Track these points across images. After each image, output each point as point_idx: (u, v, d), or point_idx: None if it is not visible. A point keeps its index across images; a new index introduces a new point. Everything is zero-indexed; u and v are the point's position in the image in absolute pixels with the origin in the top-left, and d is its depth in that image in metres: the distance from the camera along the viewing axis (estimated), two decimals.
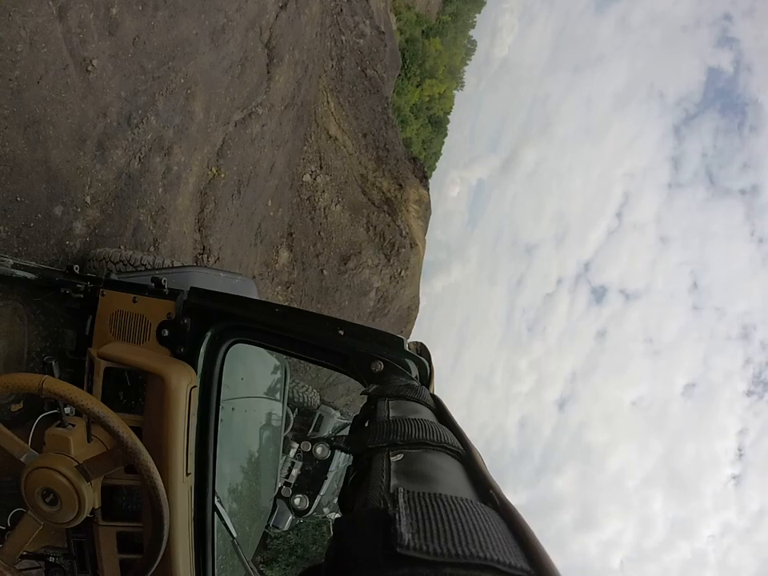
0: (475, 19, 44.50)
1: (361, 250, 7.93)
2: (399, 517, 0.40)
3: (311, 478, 4.97)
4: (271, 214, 5.84)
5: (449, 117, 42.12)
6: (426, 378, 1.42)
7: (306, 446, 4.88)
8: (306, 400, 5.09)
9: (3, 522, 1.64)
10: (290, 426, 4.20)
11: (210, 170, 3.96)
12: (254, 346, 1.83)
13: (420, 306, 11.45)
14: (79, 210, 2.47)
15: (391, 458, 0.61)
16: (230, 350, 1.76)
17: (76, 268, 2.09)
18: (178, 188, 3.43)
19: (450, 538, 0.38)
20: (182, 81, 3.23)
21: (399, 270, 8.78)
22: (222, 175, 4.13)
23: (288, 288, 6.78)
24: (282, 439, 3.06)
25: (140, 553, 1.59)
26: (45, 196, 2.25)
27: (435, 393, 1.26)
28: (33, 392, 1.35)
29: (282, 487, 4.74)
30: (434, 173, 41.06)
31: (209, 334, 1.70)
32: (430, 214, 11.29)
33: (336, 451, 4.96)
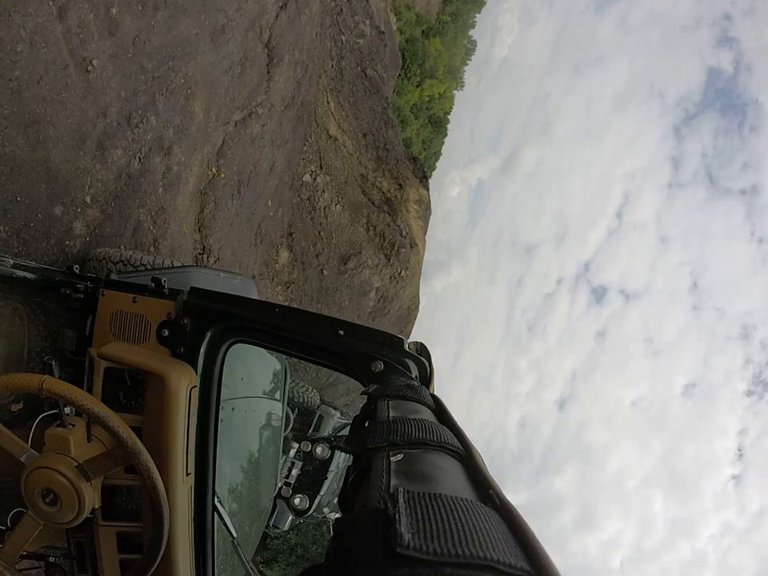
0: (475, 19, 44.53)
1: (361, 249, 7.93)
2: (399, 517, 0.40)
3: (311, 478, 4.97)
4: (271, 214, 5.84)
5: (449, 117, 42.13)
6: (426, 377, 1.42)
7: (306, 446, 4.88)
8: (305, 400, 5.09)
9: (3, 522, 1.64)
10: (290, 425, 4.20)
11: (210, 170, 3.96)
12: (254, 346, 1.83)
13: (420, 305, 11.45)
14: (79, 209, 2.47)
15: (391, 458, 0.61)
16: (230, 350, 1.76)
17: (76, 268, 2.09)
18: (177, 188, 3.43)
19: (450, 538, 0.38)
20: (182, 81, 3.23)
21: (399, 270, 8.78)
22: (222, 175, 4.13)
23: (288, 288, 6.78)
24: (282, 439, 3.06)
25: (140, 553, 1.59)
26: (45, 196, 2.25)
27: (435, 393, 1.26)
28: (33, 392, 1.35)
29: (281, 487, 4.74)
30: (434, 173, 41.06)
31: (209, 333, 1.70)
32: (430, 214, 11.29)
33: (336, 451, 4.96)
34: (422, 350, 1.45)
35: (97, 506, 1.48)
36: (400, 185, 9.36)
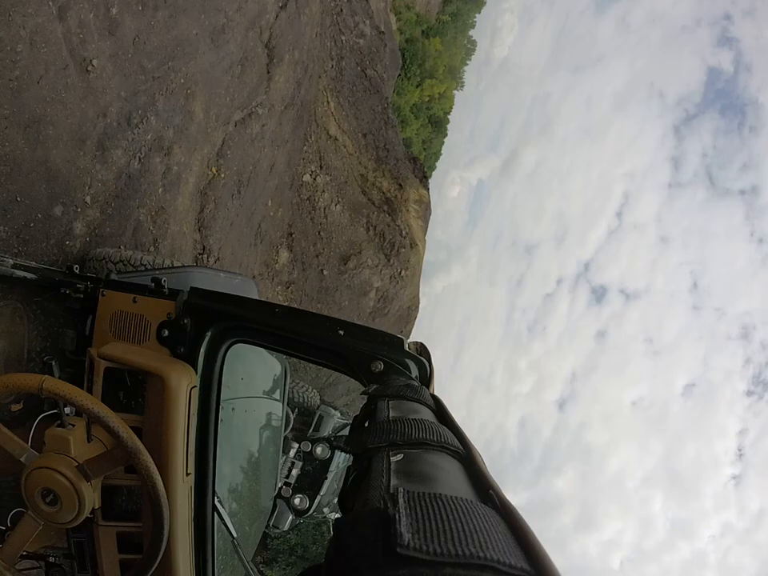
0: (475, 19, 44.54)
1: (361, 249, 7.94)
2: (399, 517, 0.40)
3: (311, 478, 4.97)
4: (271, 214, 5.84)
5: (449, 117, 42.13)
6: (426, 377, 1.42)
7: (306, 446, 4.89)
8: (306, 400, 5.10)
9: (3, 522, 1.64)
10: (290, 426, 4.20)
11: (210, 170, 3.96)
12: (254, 346, 1.83)
13: (420, 305, 11.45)
14: (79, 209, 2.47)
15: (391, 458, 0.61)
16: (230, 350, 1.76)
17: (76, 268, 2.09)
18: (178, 188, 3.43)
19: (450, 538, 0.38)
20: (182, 81, 3.23)
21: (399, 270, 8.78)
22: (222, 175, 4.13)
23: (288, 288, 6.78)
24: (282, 439, 3.06)
25: (140, 553, 1.59)
26: (45, 196, 2.25)
27: (435, 393, 1.27)
28: (33, 392, 1.35)
29: (282, 487, 4.75)
30: (434, 173, 41.07)
31: (209, 333, 1.70)
32: (430, 214, 11.29)
33: (336, 451, 4.96)
34: (422, 350, 1.45)
35: (97, 506, 1.48)
36: (400, 185, 9.37)
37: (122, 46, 2.63)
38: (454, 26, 38.35)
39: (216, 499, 1.84)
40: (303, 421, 5.15)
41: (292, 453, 4.82)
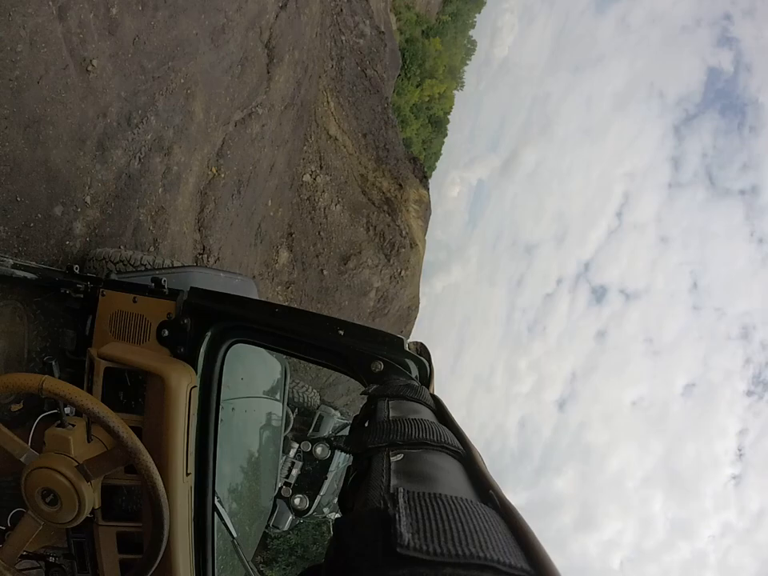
0: (475, 19, 44.54)
1: (361, 249, 7.94)
2: (399, 517, 0.40)
3: (311, 478, 4.97)
4: (271, 214, 5.84)
5: (449, 117, 42.13)
6: (426, 377, 1.42)
7: (306, 446, 4.89)
8: (306, 400, 5.10)
9: (3, 522, 1.64)
10: (290, 426, 4.20)
11: (210, 170, 3.96)
12: (254, 346, 1.83)
13: (420, 305, 11.45)
14: (79, 209, 2.47)
15: (391, 458, 0.61)
16: (230, 350, 1.76)
17: (76, 268, 2.09)
18: (178, 188, 3.43)
19: (450, 538, 0.38)
20: (182, 81, 3.23)
21: (399, 270, 8.78)
22: (222, 175, 4.13)
23: (288, 288, 6.78)
24: (282, 439, 3.06)
25: (140, 553, 1.59)
26: (45, 196, 2.25)
27: (435, 393, 1.27)
28: (33, 392, 1.35)
29: (282, 487, 4.75)
30: (434, 173, 41.06)
31: (209, 333, 1.70)
32: (430, 214, 11.29)
33: (336, 451, 4.96)
34: (422, 350, 1.45)
35: (97, 506, 1.48)
36: (400, 185, 9.37)
37: (121, 46, 2.63)
38: (454, 26, 38.34)
39: (216, 499, 1.84)
40: (303, 421, 5.15)
41: (292, 453, 4.82)
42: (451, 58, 38.70)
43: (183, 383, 1.61)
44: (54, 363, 1.50)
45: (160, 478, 1.43)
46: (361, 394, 1.22)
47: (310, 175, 7.09)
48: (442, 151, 43.61)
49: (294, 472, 4.86)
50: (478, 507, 0.45)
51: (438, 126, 39.19)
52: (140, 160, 2.92)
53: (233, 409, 2.20)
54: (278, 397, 2.83)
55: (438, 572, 0.35)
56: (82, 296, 2.03)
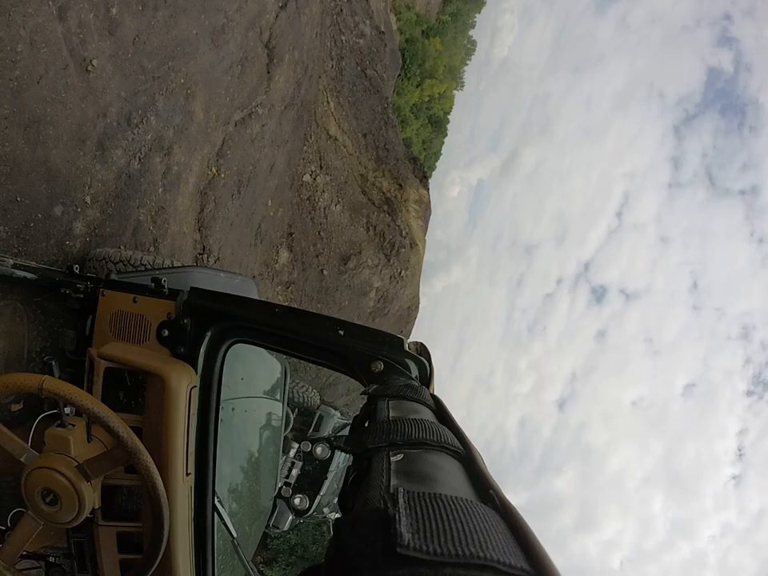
0: (475, 19, 44.53)
1: (361, 249, 7.94)
2: (399, 517, 0.40)
3: (311, 478, 4.97)
4: (271, 214, 5.84)
5: (449, 117, 42.12)
6: (426, 377, 1.42)
7: (306, 446, 4.89)
8: (306, 400, 5.10)
9: (3, 522, 1.64)
10: (290, 426, 4.20)
11: (210, 170, 3.96)
12: (254, 346, 1.83)
13: (420, 305, 11.45)
14: (79, 209, 2.47)
15: (391, 458, 0.61)
16: (230, 350, 1.76)
17: (76, 268, 2.09)
18: (178, 188, 3.43)
19: (450, 538, 0.38)
20: (182, 81, 3.23)
21: (399, 270, 8.78)
22: (222, 175, 4.13)
23: (288, 288, 6.78)
24: (282, 439, 3.06)
25: (140, 553, 1.59)
26: (45, 196, 2.25)
27: (435, 393, 1.27)
28: (33, 392, 1.35)
29: (282, 487, 4.75)
30: (434, 173, 41.06)
31: (209, 333, 1.70)
32: (430, 214, 11.29)
33: (336, 451, 4.96)
34: (422, 350, 1.45)
35: (97, 506, 1.48)
36: (400, 185, 9.37)
37: (121, 46, 2.63)
38: (454, 26, 38.34)
39: (216, 499, 1.84)
40: (303, 421, 5.15)
41: (292, 453, 4.82)
42: (451, 58, 38.70)
43: (183, 383, 1.61)
44: (54, 363, 1.50)
45: (160, 478, 1.42)
46: (361, 394, 1.22)
47: (310, 175, 7.09)
48: (441, 151, 43.62)
49: (294, 472, 4.86)
50: (478, 507, 0.45)
51: (438, 126, 39.18)
52: (140, 160, 2.92)
53: (233, 409, 2.20)
54: (278, 397, 2.83)
55: (438, 572, 0.35)
56: (81, 296, 2.03)
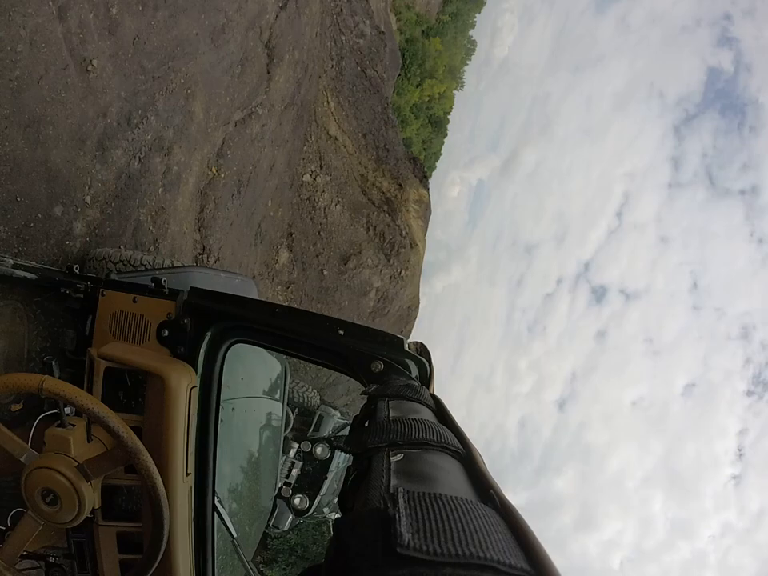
0: (475, 19, 44.53)
1: (361, 249, 7.94)
2: (399, 517, 0.40)
3: (311, 478, 4.97)
4: (271, 213, 5.84)
5: (449, 117, 42.12)
6: (426, 377, 1.42)
7: (306, 446, 4.89)
8: (306, 400, 5.10)
9: (3, 522, 1.64)
10: (290, 426, 4.20)
11: (210, 170, 3.96)
12: (254, 346, 1.83)
13: (420, 305, 11.45)
14: (79, 209, 2.47)
15: (391, 458, 0.61)
16: (230, 350, 1.76)
17: (76, 268, 2.09)
18: (178, 188, 3.43)
19: (450, 538, 0.38)
20: (182, 81, 3.23)
21: (399, 270, 8.78)
22: (222, 175, 4.13)
23: (288, 288, 6.78)
24: (282, 439, 3.06)
25: (140, 553, 1.59)
26: (45, 196, 2.25)
27: (435, 393, 1.27)
28: (33, 392, 1.35)
29: (282, 487, 4.75)
30: (434, 173, 41.06)
31: (209, 333, 1.70)
32: (430, 214, 11.29)
33: (336, 451, 4.96)
34: (422, 350, 1.45)
35: (97, 506, 1.48)
36: (400, 185, 9.36)
37: (122, 46, 2.63)
38: (454, 26, 38.34)
39: (216, 499, 1.84)
40: (303, 421, 5.15)
41: (292, 453, 4.82)
42: (451, 58, 38.70)
43: (183, 383, 1.61)
44: (54, 363, 1.50)
45: (160, 478, 1.42)
46: (361, 394, 1.22)
47: (310, 175, 7.09)
48: (442, 151, 43.62)
49: (294, 472, 4.86)
50: (478, 507, 0.45)
51: (438, 126, 39.18)
52: (140, 160, 2.92)
53: (233, 409, 2.20)
54: (277, 397, 2.83)
55: (438, 572, 0.35)
56: (81, 296, 2.03)
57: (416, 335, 14.16)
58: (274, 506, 4.75)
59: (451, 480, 0.57)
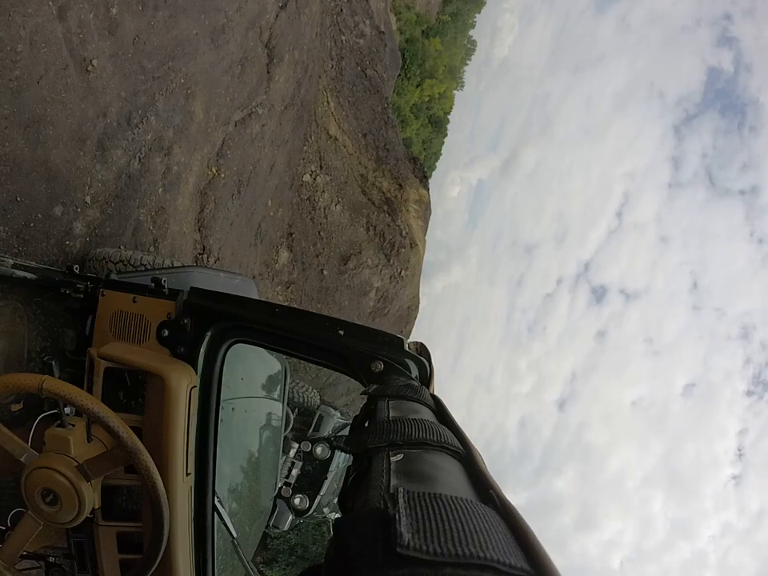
0: (475, 19, 44.53)
1: (361, 249, 7.93)
2: (399, 517, 0.40)
3: (311, 478, 4.97)
4: (271, 213, 5.84)
5: (449, 117, 42.12)
6: (426, 377, 1.42)
7: (306, 446, 4.89)
8: (306, 400, 5.10)
9: (3, 522, 1.64)
10: (290, 426, 4.20)
11: (210, 169, 3.96)
12: (254, 346, 1.83)
13: (420, 305, 11.45)
14: (79, 209, 2.47)
15: (391, 458, 0.61)
16: (230, 349, 1.76)
17: (76, 268, 2.09)
18: (178, 188, 3.43)
19: (450, 538, 0.38)
20: (182, 81, 3.23)
21: (399, 270, 8.78)
22: (222, 175, 4.13)
23: (288, 288, 6.78)
24: (282, 439, 3.06)
25: (140, 553, 1.59)
26: (45, 196, 2.25)
27: (435, 393, 1.26)
28: (33, 392, 1.35)
29: (282, 487, 4.75)
30: (434, 173, 41.06)
31: (209, 333, 1.70)
32: (430, 214, 11.29)
33: (336, 451, 4.96)
34: (422, 350, 1.45)
35: (97, 506, 1.48)
36: (400, 185, 9.36)
37: (122, 46, 2.63)
38: (454, 26, 38.34)
39: (216, 499, 1.84)
40: (303, 421, 5.15)
41: (292, 453, 4.82)
42: (451, 58, 38.70)
43: (183, 383, 1.61)
44: (54, 363, 1.50)
45: (160, 478, 1.42)
46: (361, 394, 1.22)
47: (310, 175, 7.09)
48: (442, 151, 43.62)
49: (294, 472, 4.86)
50: (478, 507, 0.45)
51: (438, 125, 39.18)
52: (140, 160, 2.92)
53: (233, 409, 2.20)
54: (278, 397, 2.83)
55: (438, 572, 0.35)
56: (81, 296, 2.03)
57: (416, 335, 14.16)
58: (274, 506, 4.75)
59: (451, 480, 0.57)
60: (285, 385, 2.87)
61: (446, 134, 42.83)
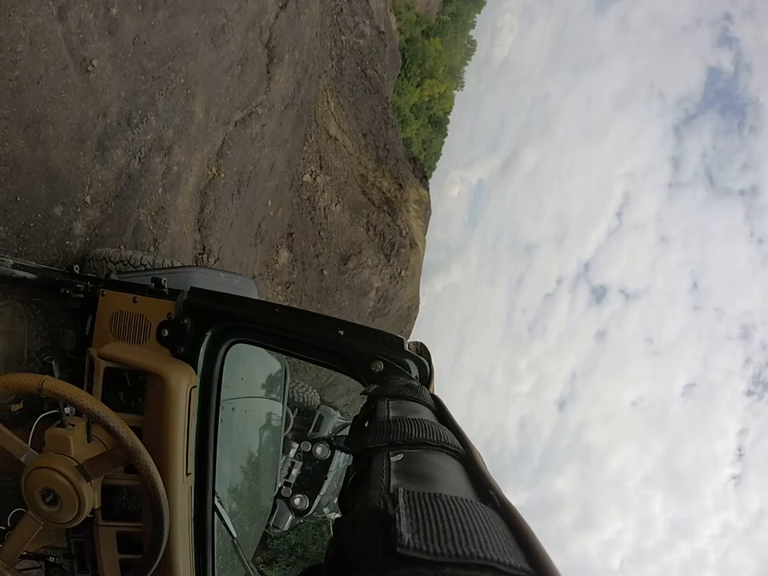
0: (475, 19, 44.53)
1: (361, 249, 7.93)
2: (399, 517, 0.40)
3: (311, 478, 4.97)
4: (271, 213, 5.84)
5: (449, 117, 42.12)
6: (426, 377, 1.42)
7: (306, 446, 4.89)
8: (306, 400, 5.10)
9: (3, 522, 1.64)
10: (290, 425, 4.20)
11: (210, 170, 3.96)
12: (254, 346, 1.83)
13: (420, 305, 11.45)
14: (79, 209, 2.47)
15: (391, 458, 0.61)
16: (230, 350, 1.76)
17: (76, 268, 2.09)
18: (178, 188, 3.43)
19: (450, 538, 0.38)
20: (182, 81, 3.23)
21: (399, 270, 8.78)
22: (222, 175, 4.13)
23: (288, 288, 6.78)
24: (282, 439, 3.06)
25: (140, 553, 1.59)
26: (45, 196, 2.25)
27: (435, 393, 1.26)
28: (33, 392, 1.35)
29: (282, 487, 4.75)
30: (434, 173, 41.06)
31: (209, 333, 1.70)
32: (430, 214, 11.29)
33: (336, 451, 4.96)
34: (422, 350, 1.45)
35: (97, 506, 1.48)
36: (400, 185, 9.36)
37: (122, 46, 2.63)
38: (454, 26, 38.34)
39: (216, 499, 1.84)
40: (303, 421, 5.15)
41: (292, 453, 4.82)
42: (451, 58, 38.71)
43: (183, 383, 1.61)
44: (54, 363, 1.50)
45: (160, 478, 1.42)
46: (361, 394, 1.22)
47: (310, 175, 7.09)
48: (441, 151, 43.62)
49: (294, 472, 4.86)
50: (478, 507, 0.45)
51: (438, 125, 39.18)
52: (140, 160, 2.92)
53: (233, 409, 2.20)
54: (277, 397, 2.83)
55: (438, 572, 0.35)
56: (81, 296, 2.03)
57: (416, 335, 14.16)
58: (274, 506, 4.76)
59: (451, 480, 0.57)
60: (285, 385, 2.87)
61: (446, 134, 42.84)
